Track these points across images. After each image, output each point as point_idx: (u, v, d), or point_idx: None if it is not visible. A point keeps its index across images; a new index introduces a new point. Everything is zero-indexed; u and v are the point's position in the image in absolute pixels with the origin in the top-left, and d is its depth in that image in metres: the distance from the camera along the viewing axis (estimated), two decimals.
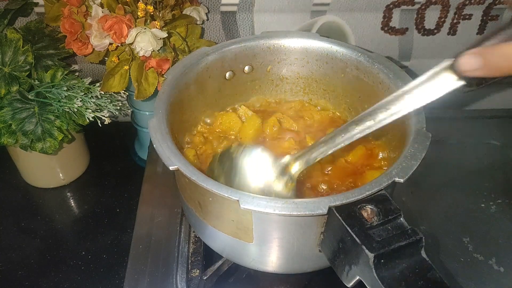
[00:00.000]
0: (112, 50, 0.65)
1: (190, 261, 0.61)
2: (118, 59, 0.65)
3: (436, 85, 0.40)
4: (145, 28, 0.62)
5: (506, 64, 0.35)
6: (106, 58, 0.67)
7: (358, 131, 0.44)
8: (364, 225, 0.39)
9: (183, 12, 0.69)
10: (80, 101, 0.66)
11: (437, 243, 0.66)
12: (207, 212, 0.50)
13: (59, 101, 0.65)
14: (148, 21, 0.64)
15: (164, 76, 0.56)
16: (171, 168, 0.44)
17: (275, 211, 0.40)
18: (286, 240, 0.47)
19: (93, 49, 0.66)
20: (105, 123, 0.69)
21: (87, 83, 0.68)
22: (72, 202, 0.79)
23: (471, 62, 0.37)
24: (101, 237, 0.72)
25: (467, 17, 0.80)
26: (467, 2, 0.78)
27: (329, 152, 0.46)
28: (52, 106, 0.65)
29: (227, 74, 0.63)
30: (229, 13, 0.77)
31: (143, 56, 0.64)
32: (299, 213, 0.40)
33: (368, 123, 0.44)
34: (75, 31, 0.64)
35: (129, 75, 0.65)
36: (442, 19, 0.80)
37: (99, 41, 0.64)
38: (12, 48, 0.64)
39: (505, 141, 0.84)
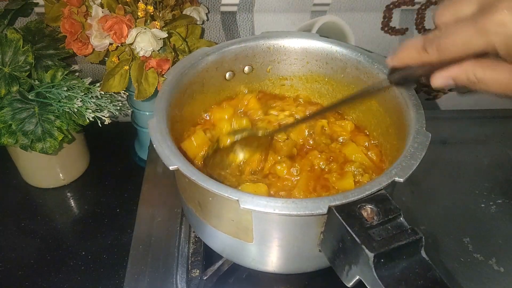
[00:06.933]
0: (112, 50, 0.65)
1: (190, 261, 0.61)
2: (118, 59, 0.65)
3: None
4: (145, 28, 0.62)
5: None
6: (106, 58, 0.67)
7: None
8: (364, 224, 0.39)
9: (183, 12, 0.69)
10: (80, 101, 0.66)
11: (437, 243, 0.66)
12: (207, 212, 0.50)
13: (59, 101, 0.65)
14: (148, 21, 0.64)
15: (164, 76, 0.56)
16: (171, 168, 0.44)
17: (275, 210, 0.40)
18: (286, 240, 0.47)
19: (93, 49, 0.65)
20: (105, 123, 0.69)
21: (87, 83, 0.68)
22: (72, 202, 0.79)
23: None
24: (101, 237, 0.72)
25: None
26: None
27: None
28: (52, 106, 0.65)
29: (227, 75, 0.63)
30: (229, 13, 0.77)
31: (143, 56, 0.64)
32: (299, 212, 0.40)
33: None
34: (75, 31, 0.64)
35: (129, 75, 0.65)
36: None
37: (99, 41, 0.64)
38: (12, 48, 0.64)
39: (505, 141, 0.84)
